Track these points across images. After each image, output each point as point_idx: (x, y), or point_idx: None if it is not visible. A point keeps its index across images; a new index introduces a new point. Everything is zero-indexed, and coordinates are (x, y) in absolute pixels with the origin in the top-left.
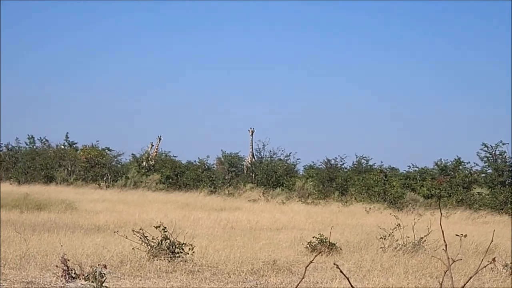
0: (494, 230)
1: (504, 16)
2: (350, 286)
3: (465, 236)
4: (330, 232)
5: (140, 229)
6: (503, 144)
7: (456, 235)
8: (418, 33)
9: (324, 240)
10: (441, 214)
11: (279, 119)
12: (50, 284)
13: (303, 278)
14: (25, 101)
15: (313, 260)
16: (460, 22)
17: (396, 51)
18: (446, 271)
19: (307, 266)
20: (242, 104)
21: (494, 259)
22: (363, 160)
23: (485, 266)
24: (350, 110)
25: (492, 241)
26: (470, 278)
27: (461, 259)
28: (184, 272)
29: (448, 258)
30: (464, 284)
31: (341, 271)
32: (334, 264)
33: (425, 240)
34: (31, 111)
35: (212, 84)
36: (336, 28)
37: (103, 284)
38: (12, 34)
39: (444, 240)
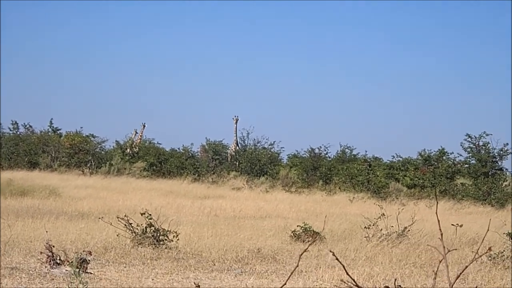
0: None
1: (484, 9)
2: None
3: (461, 226)
4: (325, 221)
5: (124, 216)
6: (487, 135)
7: (452, 224)
8: (402, 21)
9: (308, 229)
10: (437, 203)
11: (263, 107)
12: (35, 270)
13: (297, 266)
14: (9, 87)
15: (307, 248)
16: (446, 12)
17: (379, 40)
18: (441, 260)
19: (301, 254)
20: (227, 92)
21: (490, 249)
22: (347, 150)
23: (480, 256)
24: (334, 100)
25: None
26: (466, 267)
27: (456, 249)
28: (169, 260)
29: (444, 247)
30: (460, 273)
31: (337, 259)
32: (330, 251)
33: (409, 230)
34: (14, 96)
35: (197, 71)
36: (320, 16)
37: (87, 271)
38: None
39: (440, 229)
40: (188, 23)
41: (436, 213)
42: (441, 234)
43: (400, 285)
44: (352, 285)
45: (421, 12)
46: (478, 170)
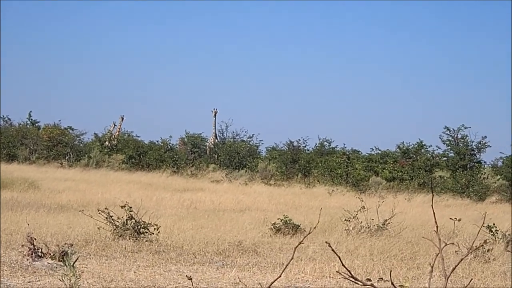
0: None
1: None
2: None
3: (459, 220)
4: (320, 214)
5: (105, 208)
6: (465, 128)
7: (450, 218)
8: (383, 14)
9: (288, 222)
10: (433, 195)
11: (242, 100)
12: (17, 262)
13: (292, 259)
14: None
15: (302, 241)
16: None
17: (357, 31)
18: (438, 253)
19: (296, 247)
20: (206, 84)
21: (485, 241)
22: (325, 143)
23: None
24: (312, 92)
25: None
26: (462, 260)
27: (453, 243)
28: (150, 252)
29: (440, 240)
30: (456, 266)
31: (332, 250)
32: (326, 242)
33: (389, 223)
34: None
35: (176, 63)
36: (302, 6)
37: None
38: None
39: (436, 222)
40: (165, 17)
41: (432, 206)
42: (437, 227)
43: (381, 278)
44: (347, 276)
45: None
46: (457, 163)
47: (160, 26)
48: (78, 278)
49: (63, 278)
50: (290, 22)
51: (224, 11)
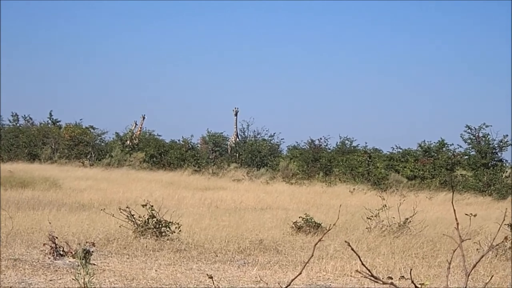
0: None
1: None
2: (360, 263)
3: (475, 215)
4: (339, 211)
5: (126, 207)
6: (487, 126)
7: (466, 214)
8: (405, 12)
9: (310, 220)
10: (453, 192)
11: (263, 99)
12: (38, 261)
13: (312, 256)
14: (9, 78)
15: (322, 238)
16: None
17: (379, 31)
18: (455, 249)
19: (316, 244)
20: (227, 84)
21: (506, 238)
22: (346, 141)
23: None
24: (334, 91)
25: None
26: (482, 256)
27: (469, 239)
28: (171, 251)
29: (460, 237)
30: (476, 263)
31: (352, 249)
32: (345, 242)
33: (410, 221)
34: (14, 88)
35: (197, 63)
36: (322, 8)
37: (91, 262)
38: None
39: (456, 219)
40: (188, 16)
41: (452, 202)
42: (457, 224)
43: (403, 276)
44: (368, 275)
45: (423, 3)
46: (478, 161)
47: (182, 24)
48: (91, 277)
49: (77, 277)
50: (313, 21)
51: (245, 9)
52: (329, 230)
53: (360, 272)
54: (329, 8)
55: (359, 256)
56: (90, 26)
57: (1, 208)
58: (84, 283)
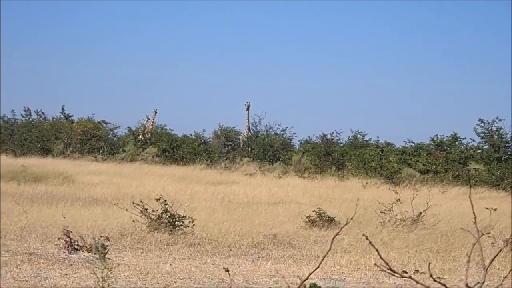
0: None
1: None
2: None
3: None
4: (357, 204)
5: (140, 201)
6: (500, 120)
7: (486, 208)
8: (416, 7)
9: (323, 215)
10: (470, 186)
11: (275, 93)
12: (53, 255)
13: (330, 250)
14: (21, 74)
15: (339, 231)
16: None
17: (392, 26)
18: (475, 243)
19: (333, 238)
20: (239, 78)
21: None
22: (359, 135)
23: None
24: (346, 85)
25: None
26: (500, 250)
27: (489, 233)
28: (185, 245)
29: (478, 231)
30: (494, 257)
31: (370, 242)
32: (363, 235)
33: (423, 215)
34: (27, 83)
35: (209, 57)
36: (334, 3)
37: (106, 256)
38: (9, 8)
39: (474, 213)
40: (201, 10)
41: (470, 197)
42: (475, 218)
43: (417, 270)
44: (385, 268)
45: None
46: (491, 155)
47: (194, 18)
48: (109, 271)
49: (95, 271)
50: (322, 17)
51: (256, 6)
52: (346, 224)
53: (377, 266)
54: (339, 5)
55: (377, 249)
56: (104, 22)
57: (0, 200)
58: (101, 277)
